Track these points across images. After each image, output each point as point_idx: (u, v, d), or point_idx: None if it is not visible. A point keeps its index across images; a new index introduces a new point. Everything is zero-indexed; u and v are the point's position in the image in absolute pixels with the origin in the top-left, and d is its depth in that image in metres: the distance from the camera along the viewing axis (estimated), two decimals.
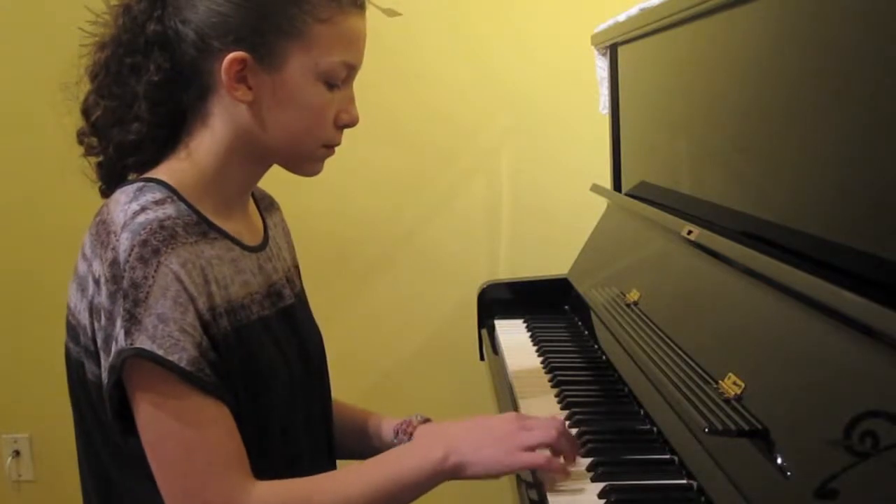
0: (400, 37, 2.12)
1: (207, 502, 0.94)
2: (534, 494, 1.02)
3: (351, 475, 1.01)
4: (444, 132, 2.25)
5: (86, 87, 1.06)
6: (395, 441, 1.17)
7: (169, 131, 1.05)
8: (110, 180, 1.06)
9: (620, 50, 1.75)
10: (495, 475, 1.02)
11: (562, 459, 1.03)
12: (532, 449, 1.01)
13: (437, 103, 2.23)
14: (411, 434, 1.16)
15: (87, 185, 1.09)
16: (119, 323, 0.91)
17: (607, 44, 1.78)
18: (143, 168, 1.04)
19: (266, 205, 1.20)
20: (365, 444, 1.22)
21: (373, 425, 1.23)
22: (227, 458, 0.95)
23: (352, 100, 1.06)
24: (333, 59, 1.01)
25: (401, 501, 1.00)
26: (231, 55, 0.98)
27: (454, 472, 1.00)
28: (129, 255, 0.92)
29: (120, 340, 0.91)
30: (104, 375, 0.94)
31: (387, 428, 1.21)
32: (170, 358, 0.91)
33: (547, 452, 1.03)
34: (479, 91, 2.23)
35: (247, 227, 1.10)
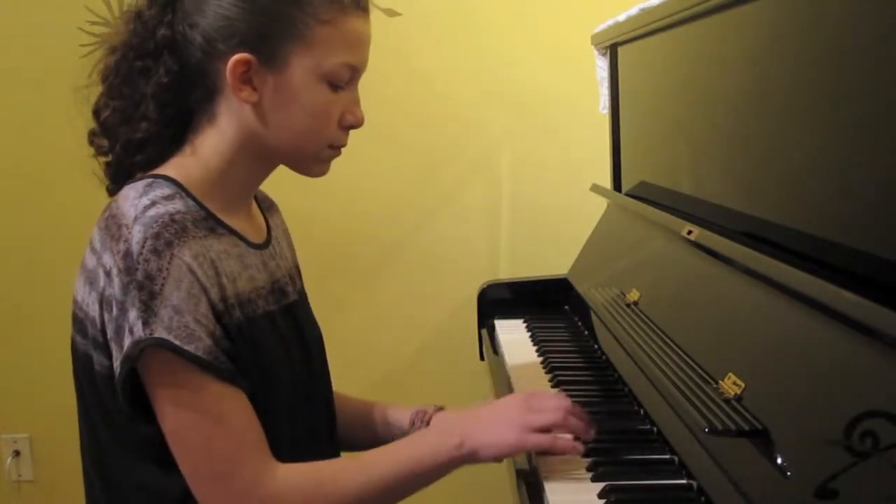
0: (399, 37, 2.12)
1: (234, 486, 0.96)
2: (534, 494, 1.02)
3: (371, 459, 1.04)
4: (445, 132, 2.25)
5: (98, 89, 1.08)
6: (412, 430, 1.20)
7: (176, 131, 1.07)
8: (118, 179, 1.08)
9: (620, 50, 1.75)
10: (507, 456, 1.06)
11: (570, 437, 1.06)
12: (541, 430, 1.04)
13: (436, 103, 2.23)
14: (428, 422, 1.19)
15: (91, 186, 1.10)
16: (134, 314, 0.93)
17: (607, 44, 1.78)
18: (151, 167, 1.06)
19: (267, 206, 1.22)
20: (370, 434, 1.25)
21: (378, 414, 1.26)
22: (250, 442, 0.98)
23: (357, 101, 1.08)
24: (336, 60, 1.02)
25: (418, 485, 1.03)
26: (235, 57, 1.00)
27: (469, 458, 1.03)
28: (143, 247, 0.94)
29: (137, 331, 0.93)
30: (116, 365, 0.96)
31: (394, 416, 1.24)
32: (186, 348, 0.93)
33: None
34: (479, 91, 2.23)
35: (251, 225, 1.12)
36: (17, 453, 2.42)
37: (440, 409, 1.22)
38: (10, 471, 2.43)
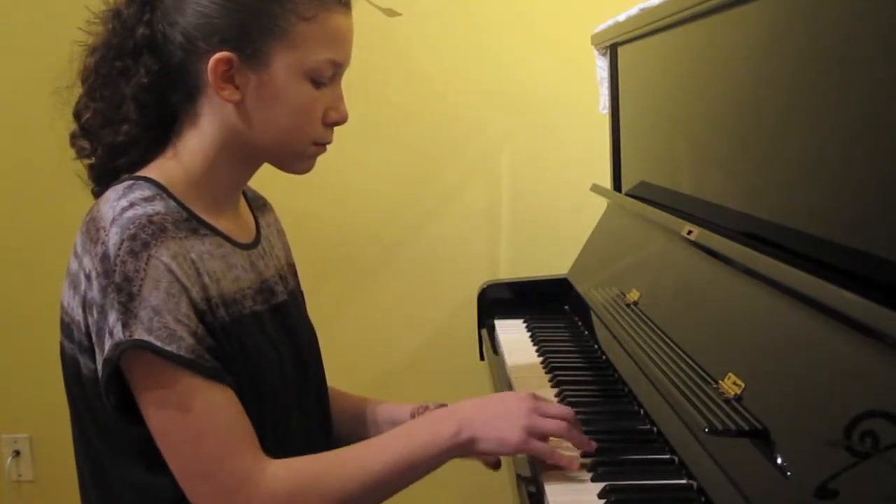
0: (400, 37, 2.12)
1: (223, 483, 0.96)
2: (534, 494, 1.02)
3: (366, 450, 1.03)
4: (445, 132, 2.25)
5: (78, 91, 1.07)
6: None
7: (159, 132, 1.06)
8: (101, 181, 1.08)
9: (620, 50, 1.75)
10: (504, 453, 1.05)
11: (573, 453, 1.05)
12: (544, 436, 1.03)
13: (436, 103, 2.23)
14: None
15: (82, 186, 1.10)
16: (114, 316, 0.93)
17: (607, 44, 1.78)
18: (134, 169, 1.05)
19: (258, 205, 1.22)
20: (366, 430, 1.25)
21: (374, 411, 1.26)
22: (238, 439, 0.97)
23: (340, 97, 1.07)
24: (319, 57, 1.02)
25: (415, 475, 1.02)
26: (217, 55, 0.99)
27: (467, 446, 1.02)
28: (119, 249, 0.94)
29: (117, 333, 0.93)
30: (99, 369, 0.96)
31: (393, 412, 1.24)
32: (168, 348, 0.93)
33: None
34: (479, 91, 2.23)
35: (238, 225, 1.11)
36: (17, 453, 2.42)
37: (442, 405, 1.20)
38: (10, 471, 2.42)
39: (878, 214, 0.85)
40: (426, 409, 1.20)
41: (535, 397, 1.07)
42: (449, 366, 2.24)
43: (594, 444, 1.05)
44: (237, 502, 0.96)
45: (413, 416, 1.21)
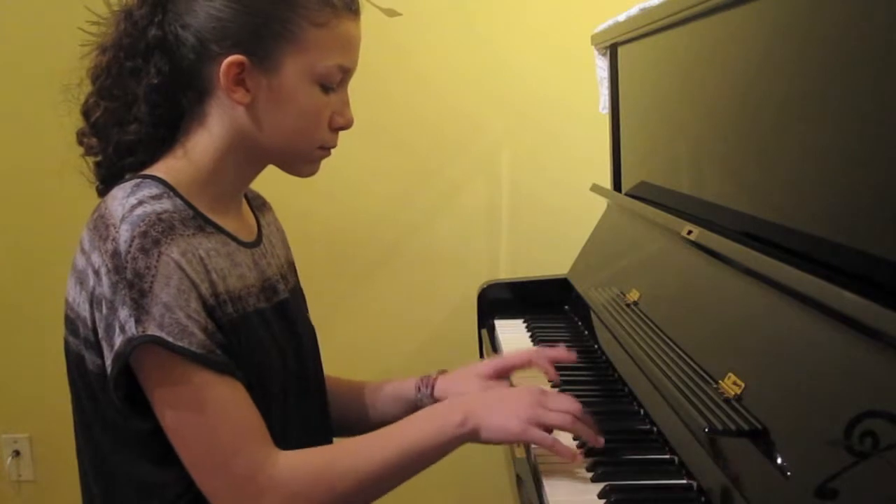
0: (400, 37, 2.12)
1: (236, 474, 0.97)
2: (534, 494, 1.02)
3: (374, 440, 1.05)
4: (445, 132, 2.25)
5: (86, 88, 1.08)
6: (418, 395, 1.25)
7: (167, 132, 1.07)
8: (108, 180, 1.08)
9: (620, 50, 1.75)
10: (507, 443, 1.07)
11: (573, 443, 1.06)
12: (546, 428, 1.04)
13: (436, 103, 2.24)
14: (433, 386, 1.24)
15: (86, 185, 1.10)
16: (125, 312, 0.94)
17: (607, 44, 1.78)
18: (141, 168, 1.06)
19: (258, 205, 1.23)
20: (366, 413, 1.27)
21: (375, 392, 1.29)
22: (249, 431, 0.99)
23: (346, 102, 1.09)
24: (329, 62, 1.03)
25: (422, 464, 1.04)
26: (230, 58, 1.00)
27: (471, 436, 1.04)
28: (130, 245, 0.94)
29: (129, 329, 0.94)
30: (108, 364, 0.96)
31: (396, 389, 1.27)
32: (180, 343, 0.94)
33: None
34: (479, 91, 2.23)
35: (241, 224, 1.12)
36: (17, 453, 2.42)
37: (443, 371, 1.25)
38: (10, 471, 2.43)
39: (878, 214, 0.85)
40: (429, 378, 1.25)
41: (542, 391, 1.09)
42: (449, 366, 2.21)
43: (602, 441, 1.06)
44: (252, 493, 0.97)
45: (417, 387, 1.25)
